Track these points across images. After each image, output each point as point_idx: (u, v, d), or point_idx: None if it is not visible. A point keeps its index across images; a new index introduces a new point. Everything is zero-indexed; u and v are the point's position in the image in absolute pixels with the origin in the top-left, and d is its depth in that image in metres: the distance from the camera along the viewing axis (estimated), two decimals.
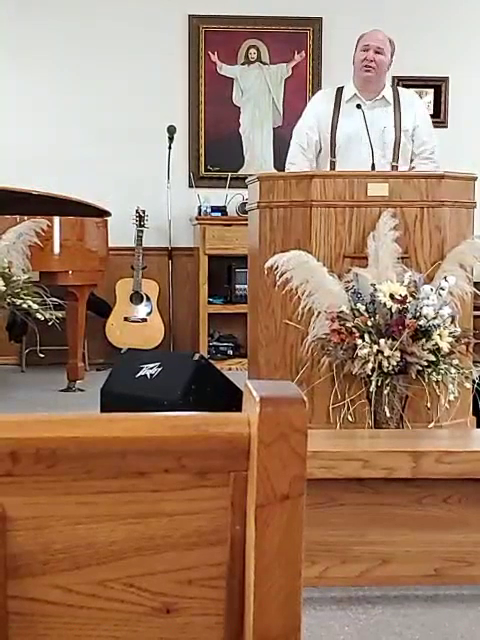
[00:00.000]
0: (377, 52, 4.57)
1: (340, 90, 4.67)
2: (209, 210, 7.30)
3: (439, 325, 3.61)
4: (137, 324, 7.13)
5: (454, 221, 4.07)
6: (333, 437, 3.27)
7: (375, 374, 3.56)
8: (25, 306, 5.38)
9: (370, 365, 3.55)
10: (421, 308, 3.61)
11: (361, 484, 2.85)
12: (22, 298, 5.36)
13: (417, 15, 7.47)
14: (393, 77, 7.51)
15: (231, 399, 4.33)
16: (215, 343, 7.32)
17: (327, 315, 3.67)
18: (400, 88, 4.67)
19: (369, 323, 3.59)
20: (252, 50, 7.49)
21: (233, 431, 1.02)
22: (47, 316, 5.42)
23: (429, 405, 3.69)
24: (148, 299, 7.19)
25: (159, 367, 4.72)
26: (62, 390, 6.24)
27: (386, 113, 4.62)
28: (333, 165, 4.60)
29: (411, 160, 4.66)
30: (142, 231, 7.08)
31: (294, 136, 4.75)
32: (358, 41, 4.67)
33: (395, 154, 4.60)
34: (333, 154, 4.60)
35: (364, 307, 3.63)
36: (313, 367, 3.86)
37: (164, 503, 1.04)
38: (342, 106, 4.61)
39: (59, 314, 5.79)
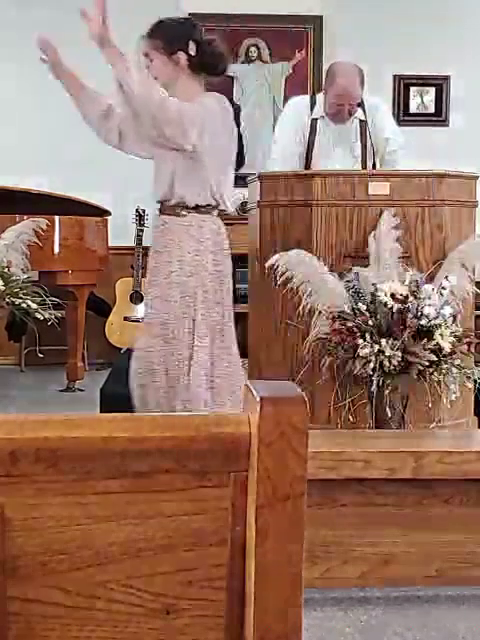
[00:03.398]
0: (351, 105, 4.52)
1: (313, 103, 4.67)
2: None
3: (440, 325, 3.60)
4: (137, 324, 7.12)
5: (455, 220, 4.07)
6: (334, 437, 3.26)
7: (376, 374, 3.55)
8: (24, 306, 5.37)
9: (371, 365, 3.54)
10: (422, 308, 3.60)
11: (362, 484, 2.84)
12: (21, 298, 5.35)
13: (418, 13, 7.46)
14: (394, 76, 7.51)
15: None
16: None
17: (328, 315, 3.67)
18: (365, 97, 4.64)
19: (370, 323, 3.58)
20: (252, 48, 7.49)
21: (233, 431, 1.02)
22: (46, 316, 5.41)
23: (430, 405, 3.69)
24: None
25: None
26: (62, 390, 6.23)
27: (353, 127, 4.65)
28: None
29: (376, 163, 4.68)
30: (142, 231, 7.07)
31: (281, 135, 4.74)
32: (328, 74, 4.61)
33: (364, 165, 4.64)
34: (307, 168, 4.61)
35: (365, 307, 3.62)
36: (314, 367, 3.85)
37: (164, 504, 1.03)
38: (315, 121, 4.64)
39: (58, 314, 5.79)
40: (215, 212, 3.71)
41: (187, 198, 3.65)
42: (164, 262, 3.68)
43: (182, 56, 3.74)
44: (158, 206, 3.75)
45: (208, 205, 3.68)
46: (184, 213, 3.66)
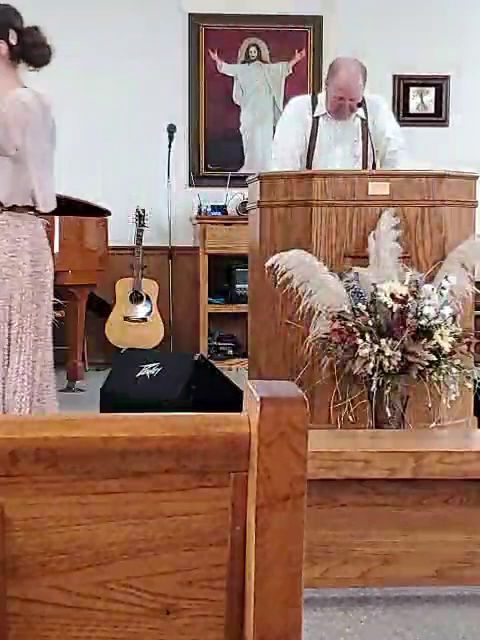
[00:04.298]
0: (352, 100, 4.49)
1: (314, 102, 4.65)
2: (209, 209, 7.30)
3: (440, 325, 3.60)
4: (137, 324, 7.13)
5: (455, 220, 4.07)
6: (334, 437, 3.26)
7: (376, 374, 3.55)
8: None
9: (371, 365, 3.54)
10: (422, 308, 3.60)
11: (362, 484, 2.84)
12: None
13: (418, 13, 7.46)
14: (394, 76, 7.51)
15: (231, 399, 4.32)
16: (215, 343, 7.32)
17: (328, 315, 3.67)
18: (365, 95, 4.62)
19: (370, 323, 3.58)
20: (252, 48, 7.48)
21: (233, 431, 1.02)
22: None
23: (430, 405, 3.68)
24: (148, 299, 7.18)
25: (159, 367, 4.72)
26: (62, 390, 6.21)
27: (354, 126, 4.64)
28: None
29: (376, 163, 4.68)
30: (142, 230, 7.07)
31: (282, 135, 4.72)
32: (330, 68, 4.58)
33: (364, 165, 4.63)
34: (309, 167, 4.61)
35: (365, 307, 3.62)
36: (314, 367, 3.85)
37: (164, 504, 1.03)
38: (317, 120, 4.62)
39: (58, 314, 5.79)
40: (33, 212, 3.64)
41: (3, 198, 3.58)
42: None
43: (2, 45, 3.61)
44: None
45: (25, 205, 3.61)
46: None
